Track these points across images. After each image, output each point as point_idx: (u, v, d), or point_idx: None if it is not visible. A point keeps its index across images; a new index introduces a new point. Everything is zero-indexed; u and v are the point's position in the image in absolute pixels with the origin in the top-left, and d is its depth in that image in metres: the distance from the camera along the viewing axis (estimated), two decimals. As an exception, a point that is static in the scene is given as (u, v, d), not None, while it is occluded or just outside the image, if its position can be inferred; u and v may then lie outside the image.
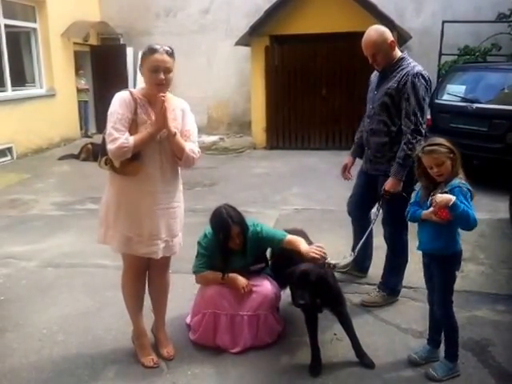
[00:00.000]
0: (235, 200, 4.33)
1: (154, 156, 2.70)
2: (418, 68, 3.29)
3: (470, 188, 2.61)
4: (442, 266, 2.74)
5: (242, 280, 3.07)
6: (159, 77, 2.60)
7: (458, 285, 2.94)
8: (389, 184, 3.30)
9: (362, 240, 3.52)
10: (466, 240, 3.75)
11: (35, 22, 10.47)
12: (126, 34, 12.53)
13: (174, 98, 2.81)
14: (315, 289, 2.79)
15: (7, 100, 9.39)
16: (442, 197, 2.53)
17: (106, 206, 2.82)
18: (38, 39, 10.53)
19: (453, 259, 2.74)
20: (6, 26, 9.63)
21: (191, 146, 2.74)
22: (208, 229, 3.16)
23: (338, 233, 4.75)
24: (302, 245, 3.07)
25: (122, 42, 12.57)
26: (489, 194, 5.74)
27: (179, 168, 2.86)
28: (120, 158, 2.63)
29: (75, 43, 11.53)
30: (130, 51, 12.11)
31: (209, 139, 11.53)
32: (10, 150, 9.41)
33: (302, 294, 2.78)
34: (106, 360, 3.00)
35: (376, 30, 3.35)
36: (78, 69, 11.89)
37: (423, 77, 3.25)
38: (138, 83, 10.96)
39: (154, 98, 2.66)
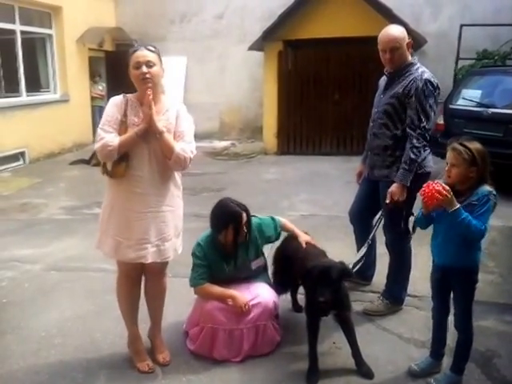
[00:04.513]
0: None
1: (142, 157, 2.67)
2: (426, 74, 3.21)
3: (495, 200, 2.47)
4: (467, 278, 2.60)
5: (241, 298, 2.98)
6: (142, 71, 2.57)
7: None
8: (393, 190, 3.21)
9: (368, 239, 3.50)
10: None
11: (51, 28, 10.61)
12: (140, 39, 12.54)
13: (169, 100, 2.78)
14: (336, 285, 2.75)
15: (21, 105, 9.50)
16: (449, 196, 2.39)
17: (102, 211, 2.85)
18: (54, 45, 10.65)
19: (476, 269, 2.61)
20: (22, 32, 9.76)
21: (183, 146, 2.65)
22: (200, 237, 3.11)
23: (344, 240, 4.63)
24: (296, 229, 3.28)
25: (136, 47, 12.65)
26: (503, 201, 5.49)
27: (175, 172, 2.80)
28: (106, 159, 2.62)
29: (90, 49, 11.65)
30: (144, 57, 12.17)
31: (220, 144, 11.54)
32: (22, 154, 9.51)
33: (323, 291, 2.69)
34: (102, 364, 2.99)
35: (397, 27, 3.33)
36: (94, 75, 11.98)
37: (431, 83, 3.17)
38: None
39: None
